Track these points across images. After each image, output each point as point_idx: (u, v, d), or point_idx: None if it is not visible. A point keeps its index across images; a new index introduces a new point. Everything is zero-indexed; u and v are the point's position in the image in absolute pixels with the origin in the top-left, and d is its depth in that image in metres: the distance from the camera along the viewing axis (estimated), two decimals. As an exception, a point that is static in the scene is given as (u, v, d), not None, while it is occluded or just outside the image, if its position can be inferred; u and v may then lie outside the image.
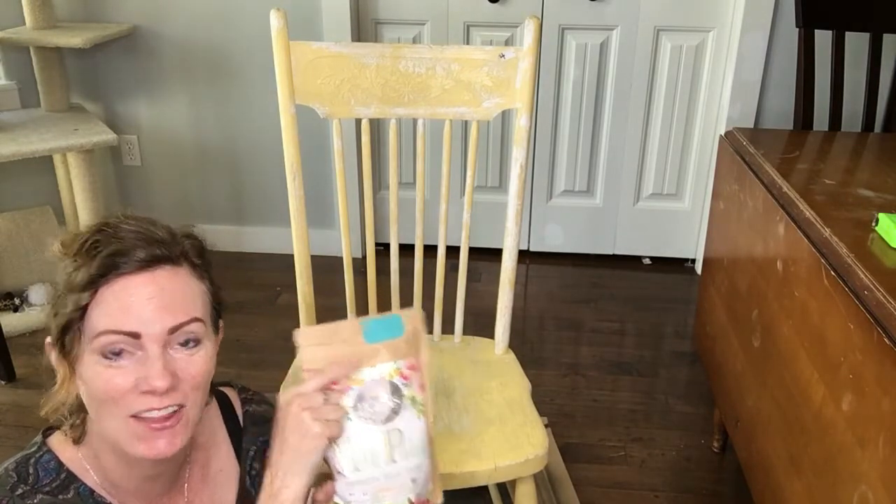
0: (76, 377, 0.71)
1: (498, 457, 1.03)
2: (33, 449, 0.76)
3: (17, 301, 2.16)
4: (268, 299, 2.30)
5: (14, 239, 2.18)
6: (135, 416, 0.68)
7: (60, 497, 0.73)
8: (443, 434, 1.08)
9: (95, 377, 0.68)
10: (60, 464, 0.75)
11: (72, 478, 0.75)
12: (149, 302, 0.67)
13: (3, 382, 1.89)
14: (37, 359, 0.76)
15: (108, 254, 0.68)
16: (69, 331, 0.69)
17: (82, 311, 0.67)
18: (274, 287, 2.36)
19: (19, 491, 0.71)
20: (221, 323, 0.81)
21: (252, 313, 2.24)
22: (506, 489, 1.36)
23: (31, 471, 0.73)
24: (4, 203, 2.35)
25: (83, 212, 2.10)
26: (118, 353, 0.67)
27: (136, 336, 0.67)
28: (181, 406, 0.70)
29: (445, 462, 1.02)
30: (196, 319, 0.71)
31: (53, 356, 0.72)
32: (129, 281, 0.68)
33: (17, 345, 1.98)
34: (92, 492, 0.75)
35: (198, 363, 0.71)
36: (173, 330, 0.69)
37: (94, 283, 0.67)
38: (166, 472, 0.79)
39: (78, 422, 0.76)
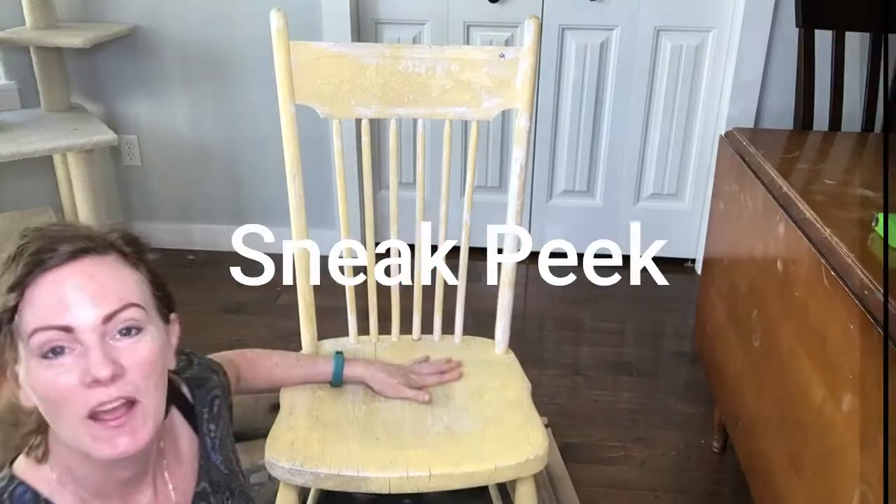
0: (13, 385, 0.68)
1: (498, 457, 1.03)
2: (3, 483, 0.72)
3: (17, 301, 2.16)
4: (268, 299, 2.30)
5: (14, 239, 2.18)
6: (91, 417, 0.65)
7: None
8: (443, 434, 1.08)
9: (40, 381, 0.65)
10: (36, 494, 0.71)
11: None
12: (77, 292, 0.65)
13: (3, 382, 1.88)
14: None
15: (32, 252, 0.66)
16: None
17: (10, 312, 0.65)
18: (274, 287, 2.35)
19: None
20: (174, 316, 0.78)
21: (252, 313, 2.24)
22: (506, 489, 1.36)
23: None
24: (4, 203, 2.35)
25: (83, 212, 2.10)
26: (58, 352, 0.64)
27: (68, 329, 0.64)
28: (134, 400, 0.67)
29: (445, 462, 1.02)
30: (131, 305, 0.68)
31: None
32: (56, 275, 0.65)
33: (17, 345, 1.98)
34: None
35: (142, 350, 0.68)
36: (108, 318, 0.66)
37: (20, 284, 0.65)
38: (142, 469, 0.77)
39: (37, 440, 0.72)
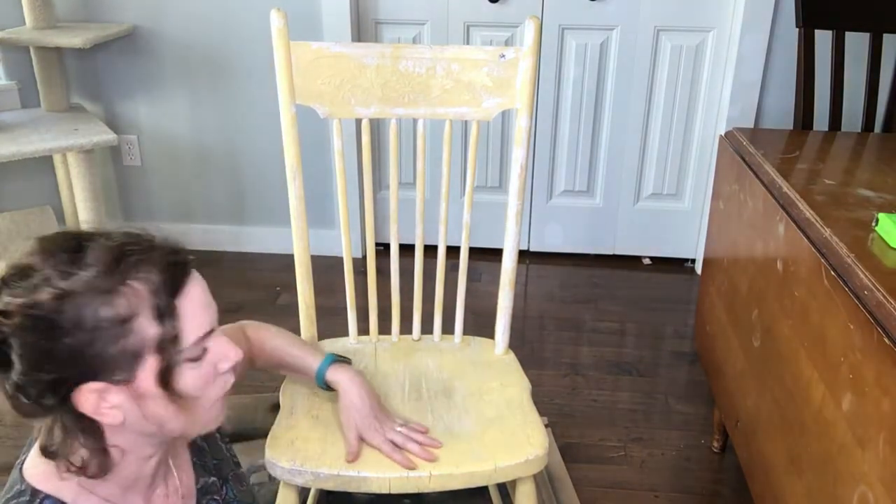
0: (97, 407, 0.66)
1: (498, 457, 1.03)
2: (26, 498, 0.70)
3: (17, 301, 2.16)
4: (268, 299, 2.30)
5: (14, 239, 2.18)
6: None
7: None
8: (443, 434, 1.08)
9: (193, 381, 0.69)
10: None
11: None
12: (206, 296, 0.72)
13: (3, 382, 1.88)
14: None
15: (165, 280, 0.67)
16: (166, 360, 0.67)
17: (174, 339, 0.67)
18: (274, 287, 2.35)
19: None
20: None
21: (252, 313, 2.24)
22: (506, 489, 1.36)
23: None
24: (4, 203, 2.35)
25: (83, 212, 2.10)
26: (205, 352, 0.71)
27: (212, 331, 0.72)
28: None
29: (445, 462, 1.02)
30: None
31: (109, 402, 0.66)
32: (191, 286, 0.70)
33: (17, 345, 1.98)
34: None
35: None
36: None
37: (172, 307, 0.67)
38: (163, 456, 0.79)
39: (97, 464, 0.70)
